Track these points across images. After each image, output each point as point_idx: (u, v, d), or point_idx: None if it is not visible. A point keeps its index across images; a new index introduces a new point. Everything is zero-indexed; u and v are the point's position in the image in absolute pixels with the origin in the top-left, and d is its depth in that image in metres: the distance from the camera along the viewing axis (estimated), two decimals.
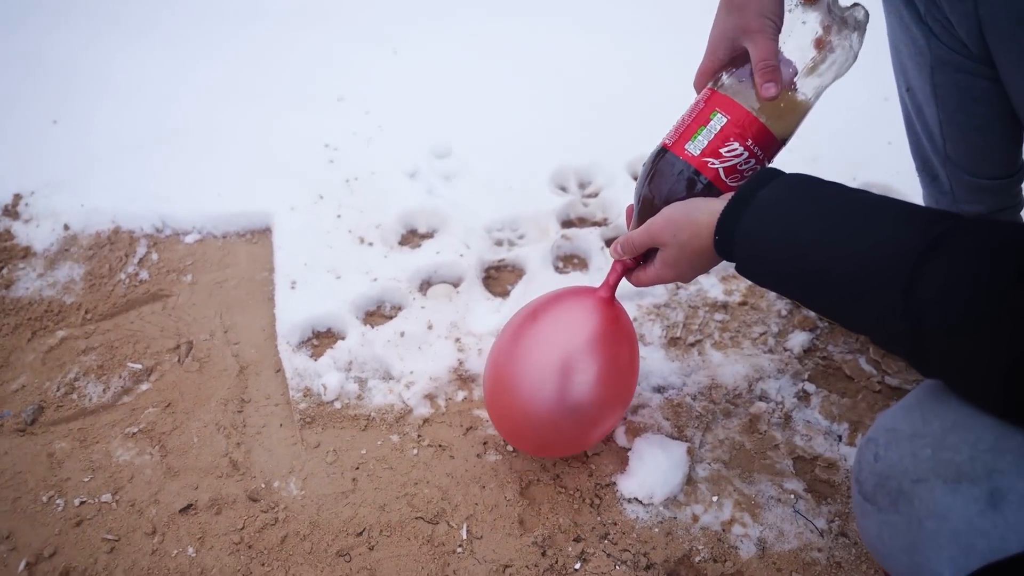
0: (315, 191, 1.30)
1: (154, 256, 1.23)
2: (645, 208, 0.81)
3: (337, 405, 1.02)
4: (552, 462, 0.95)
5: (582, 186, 1.34)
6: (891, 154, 1.28)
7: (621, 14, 1.73)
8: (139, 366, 1.08)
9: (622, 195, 1.28)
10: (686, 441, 0.96)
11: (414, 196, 1.29)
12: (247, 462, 0.96)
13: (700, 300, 1.13)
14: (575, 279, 1.16)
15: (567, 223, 1.28)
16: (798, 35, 0.77)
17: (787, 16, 0.76)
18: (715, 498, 0.91)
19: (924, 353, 0.54)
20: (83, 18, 1.74)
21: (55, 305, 1.16)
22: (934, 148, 0.93)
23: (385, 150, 1.39)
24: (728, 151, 0.76)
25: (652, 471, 0.91)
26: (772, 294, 1.13)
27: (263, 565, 0.86)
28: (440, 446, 0.97)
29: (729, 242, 0.68)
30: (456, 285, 1.16)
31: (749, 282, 1.12)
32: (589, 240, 1.21)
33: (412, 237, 1.26)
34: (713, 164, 0.77)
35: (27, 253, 1.24)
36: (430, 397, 1.02)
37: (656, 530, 0.88)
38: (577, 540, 0.88)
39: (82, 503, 0.92)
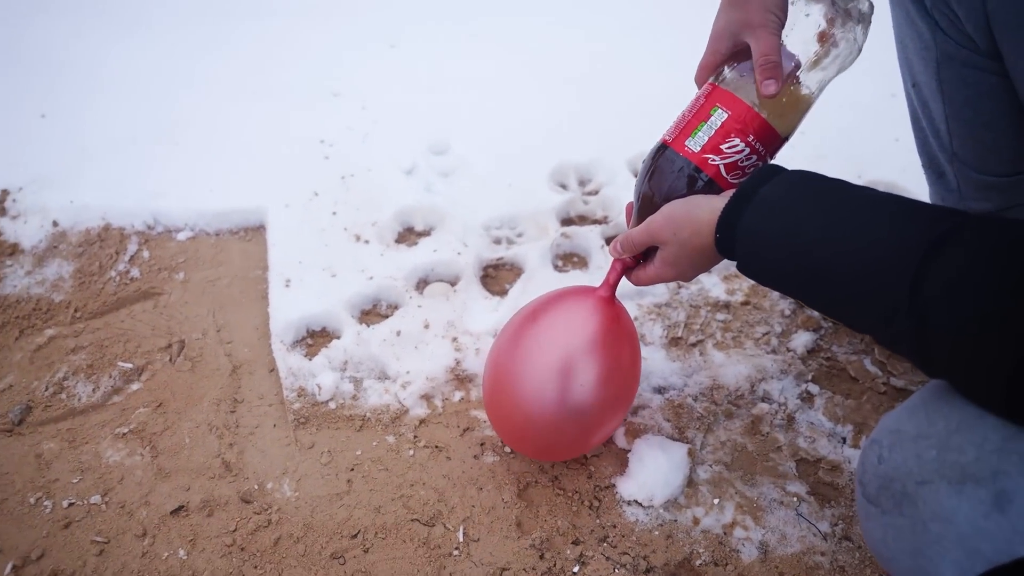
0: (310, 188, 1.29)
1: (145, 253, 1.22)
2: (645, 206, 0.80)
3: (332, 405, 1.00)
4: (550, 464, 0.93)
5: (582, 183, 1.33)
6: (898, 151, 1.26)
7: (624, 10, 1.72)
8: (130, 365, 1.06)
9: (623, 193, 1.26)
10: (687, 443, 0.95)
11: (411, 193, 1.27)
12: (240, 463, 0.95)
13: (702, 299, 1.12)
14: (575, 278, 1.15)
15: (567, 221, 1.26)
16: (801, 28, 0.76)
17: (790, 9, 0.75)
18: (716, 500, 0.90)
19: (928, 352, 0.54)
20: (68, 9, 1.72)
21: (43, 303, 1.14)
22: (940, 145, 0.91)
23: (382, 146, 1.37)
24: (729, 147, 0.75)
25: (652, 473, 0.90)
26: (775, 294, 1.12)
27: (256, 568, 0.85)
28: (436, 447, 0.96)
29: (730, 240, 0.67)
30: (453, 284, 1.15)
31: (752, 281, 1.10)
32: (589, 238, 1.20)
33: (409, 235, 1.25)
34: (714, 161, 0.75)
35: (15, 250, 1.22)
36: (426, 397, 1.01)
37: (656, 533, 0.87)
38: (576, 543, 0.87)
39: (71, 505, 0.91)
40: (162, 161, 1.35)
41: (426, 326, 1.08)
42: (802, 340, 1.06)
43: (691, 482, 0.92)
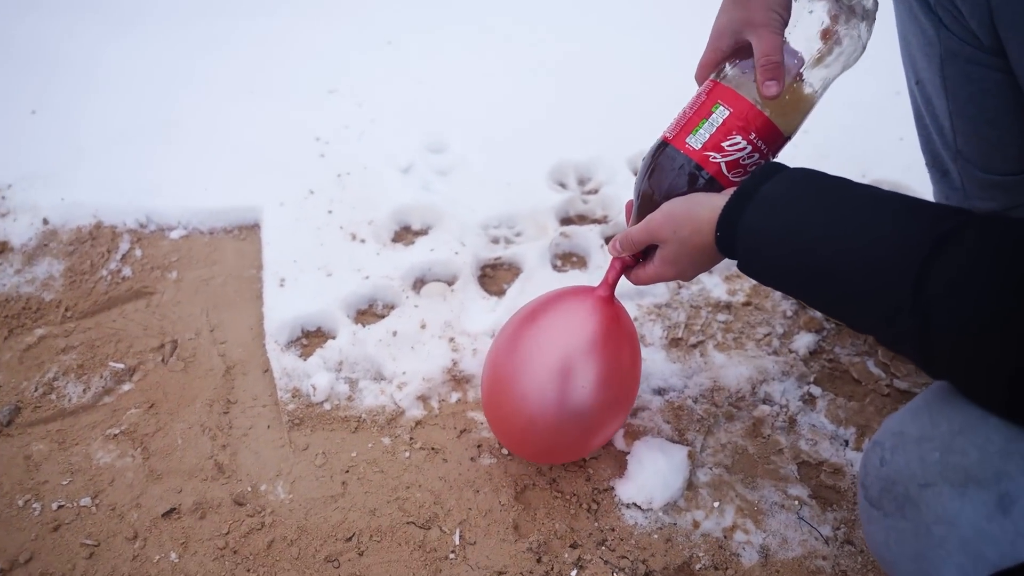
0: (305, 186, 1.28)
1: (138, 252, 1.20)
2: (645, 204, 0.79)
3: (327, 406, 0.99)
4: (548, 466, 0.92)
5: (582, 182, 1.32)
6: (902, 150, 1.26)
7: (624, 9, 1.71)
8: (121, 365, 1.05)
9: (623, 192, 1.26)
10: (687, 445, 0.93)
11: (408, 192, 1.26)
12: (233, 465, 0.94)
13: (702, 300, 1.11)
14: (574, 278, 1.14)
15: (566, 220, 1.25)
16: (804, 25, 0.75)
17: (794, 5, 0.74)
18: (716, 504, 0.89)
19: (930, 351, 0.53)
20: (64, 6, 1.71)
21: (33, 302, 1.13)
22: (944, 143, 0.91)
23: (378, 144, 1.36)
24: (731, 145, 0.74)
25: (651, 475, 0.89)
26: (777, 294, 1.11)
27: (248, 571, 0.84)
28: (433, 449, 0.95)
29: (731, 238, 0.67)
30: (451, 283, 1.14)
31: (753, 282, 1.10)
32: (588, 238, 1.19)
33: (405, 234, 1.24)
34: (715, 158, 0.74)
35: (4, 248, 1.20)
36: (423, 398, 1.00)
37: (655, 536, 0.86)
38: (573, 546, 0.86)
39: (60, 507, 0.90)
40: (155, 159, 1.33)
41: (423, 326, 1.07)
42: (804, 341, 1.05)
43: (691, 485, 0.91)
